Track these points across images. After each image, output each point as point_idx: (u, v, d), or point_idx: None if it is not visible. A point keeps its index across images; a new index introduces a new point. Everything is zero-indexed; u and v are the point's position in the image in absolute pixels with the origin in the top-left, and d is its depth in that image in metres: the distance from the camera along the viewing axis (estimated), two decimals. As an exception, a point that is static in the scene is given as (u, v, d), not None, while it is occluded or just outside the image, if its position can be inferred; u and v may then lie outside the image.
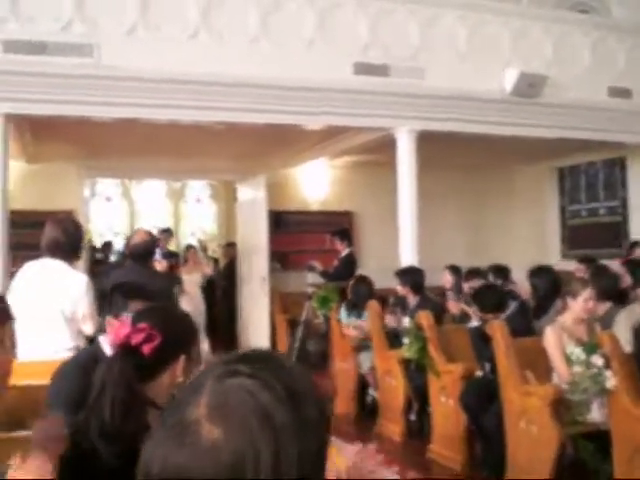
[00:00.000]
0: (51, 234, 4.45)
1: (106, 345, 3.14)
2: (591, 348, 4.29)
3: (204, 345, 10.30)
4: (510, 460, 5.15)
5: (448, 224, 12.83)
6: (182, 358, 2.37)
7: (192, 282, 10.56)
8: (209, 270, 11.61)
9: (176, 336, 2.38)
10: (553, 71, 8.74)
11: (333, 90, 8.00)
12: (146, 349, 2.26)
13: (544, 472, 4.75)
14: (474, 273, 7.44)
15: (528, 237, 13.05)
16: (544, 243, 12.93)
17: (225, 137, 9.28)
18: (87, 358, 3.12)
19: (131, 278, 4.81)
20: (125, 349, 2.27)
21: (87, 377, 2.66)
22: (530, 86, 8.59)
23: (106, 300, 3.41)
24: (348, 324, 7.88)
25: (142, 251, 5.34)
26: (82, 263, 10.50)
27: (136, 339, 2.26)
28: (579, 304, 5.15)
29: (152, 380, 2.33)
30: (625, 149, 10.65)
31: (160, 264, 5.76)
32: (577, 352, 4.34)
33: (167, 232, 11.82)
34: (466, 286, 7.28)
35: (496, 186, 13.22)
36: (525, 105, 8.77)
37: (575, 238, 12.42)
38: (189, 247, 11.92)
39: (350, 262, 10.30)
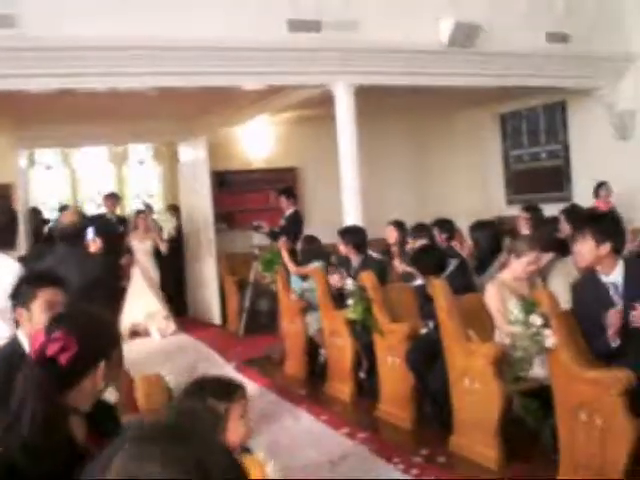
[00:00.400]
0: None
1: (24, 340, 3.05)
2: (529, 307, 4.29)
3: (165, 321, 10.40)
4: (456, 417, 5.19)
5: (392, 176, 12.80)
6: (102, 364, 2.29)
7: (144, 250, 10.41)
8: (161, 236, 10.98)
9: (94, 342, 2.29)
10: (490, 19, 8.67)
11: (268, 49, 7.88)
12: (62, 359, 2.18)
13: (490, 428, 4.80)
14: (419, 230, 7.39)
15: (472, 184, 13.09)
16: (488, 189, 12.99)
17: (163, 100, 9.11)
18: (5, 356, 3.04)
19: (63, 263, 4.69)
20: (41, 359, 2.19)
21: (7, 377, 2.59)
22: (466, 36, 8.52)
23: (15, 290, 3.30)
24: (299, 289, 7.83)
25: (71, 233, 5.18)
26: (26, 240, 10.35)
27: (51, 350, 2.18)
28: (521, 265, 5.17)
29: (73, 388, 2.25)
30: (565, 93, 10.69)
31: (94, 244, 5.56)
32: (515, 312, 4.35)
33: (113, 197, 11.47)
34: (408, 246, 7.27)
35: (438, 134, 13.20)
36: (462, 54, 8.71)
37: (519, 183, 12.49)
38: (139, 212, 11.16)
39: (296, 220, 10.24)
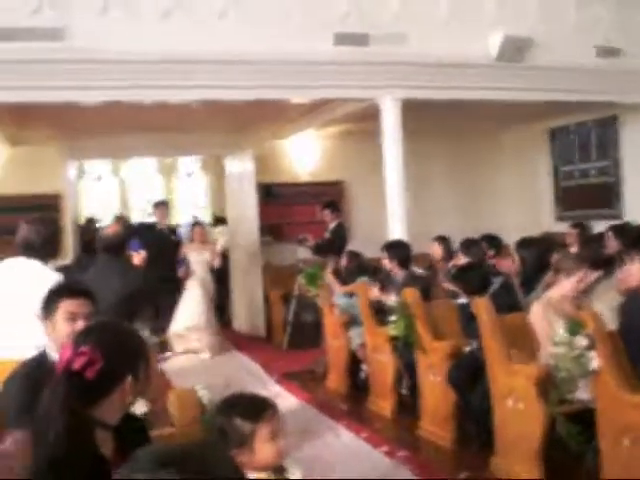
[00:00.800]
0: (23, 234, 4.39)
1: (51, 351, 3.06)
2: (574, 328, 4.19)
3: (216, 338, 10.08)
4: (498, 437, 5.10)
5: (438, 190, 12.72)
6: (129, 378, 2.28)
7: (201, 262, 10.11)
8: (218, 249, 10.51)
9: (120, 357, 2.29)
10: (539, 33, 8.54)
11: (315, 63, 7.86)
12: (89, 373, 2.18)
13: (531, 450, 4.70)
14: (469, 245, 7.28)
15: (520, 200, 12.95)
16: (537, 206, 12.82)
17: (210, 112, 9.16)
18: (34, 366, 3.04)
19: (104, 274, 4.72)
20: (68, 373, 2.19)
21: (34, 388, 2.59)
22: (516, 49, 8.41)
23: (43, 302, 3.31)
24: (344, 304, 7.78)
25: (114, 244, 5.22)
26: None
27: (78, 364, 2.18)
28: (571, 283, 5.08)
29: (100, 402, 2.25)
30: (617, 108, 10.50)
31: (139, 255, 5.58)
32: (560, 332, 4.25)
33: (163, 205, 11.31)
34: (452, 263, 7.20)
35: (486, 150, 13.08)
36: (511, 69, 8.60)
37: (568, 199, 12.30)
38: (195, 224, 11.02)
39: (341, 233, 10.24)
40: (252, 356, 9.58)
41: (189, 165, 15.41)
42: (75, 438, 2.12)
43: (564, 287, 5.13)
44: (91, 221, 13.18)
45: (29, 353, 3.68)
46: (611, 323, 4.56)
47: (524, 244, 6.50)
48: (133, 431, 2.42)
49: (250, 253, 11.22)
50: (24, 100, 7.24)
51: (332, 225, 10.14)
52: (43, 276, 4.29)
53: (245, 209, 11.33)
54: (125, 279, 4.90)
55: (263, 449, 2.51)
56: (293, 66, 7.80)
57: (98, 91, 7.31)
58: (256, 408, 2.56)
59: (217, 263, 10.30)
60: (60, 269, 4.76)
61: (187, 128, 10.73)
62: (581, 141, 12.00)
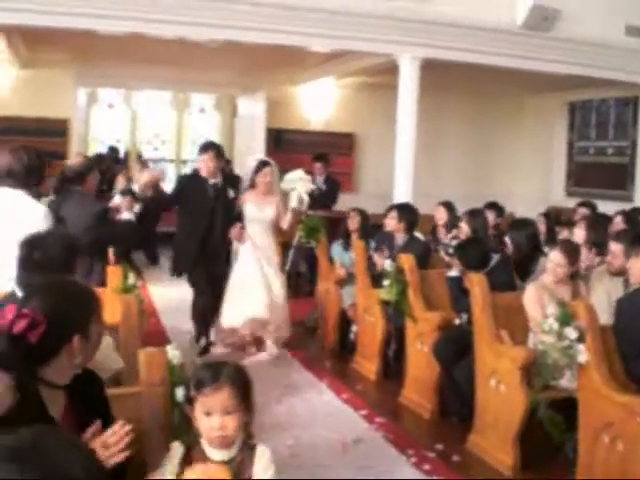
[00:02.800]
0: (6, 162, 4.33)
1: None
2: (565, 318, 4.10)
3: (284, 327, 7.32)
4: (478, 415, 5.05)
5: (449, 151, 12.59)
6: (76, 339, 2.20)
7: (263, 221, 7.14)
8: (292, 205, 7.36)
9: (65, 318, 2.21)
10: (569, 5, 8.33)
11: (337, 12, 7.71)
12: (31, 337, 2.11)
13: (509, 434, 4.65)
14: (475, 215, 7.11)
15: (533, 170, 12.80)
16: (549, 178, 12.67)
17: (228, 52, 9.01)
18: None
19: (64, 203, 5.00)
20: (10, 336, 2.11)
21: None
22: (543, 19, 8.22)
23: None
24: (342, 262, 7.67)
25: (76, 174, 5.36)
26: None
27: (18, 328, 2.11)
28: (548, 266, 5.03)
29: (47, 363, 2.19)
30: (639, 89, 10.28)
31: (125, 202, 5.50)
32: (550, 321, 4.16)
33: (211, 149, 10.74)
34: (451, 235, 7.09)
35: (504, 115, 12.90)
36: (537, 38, 8.42)
37: (581, 176, 12.14)
38: (264, 163, 7.15)
39: (333, 187, 10.21)
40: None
41: (202, 102, 15.22)
42: (23, 401, 2.07)
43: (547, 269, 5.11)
44: (112, 150, 13.12)
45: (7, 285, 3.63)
46: (608, 312, 4.50)
47: (515, 226, 6.37)
48: (89, 390, 2.36)
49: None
50: (41, 24, 7.11)
51: (321, 178, 10.05)
52: (25, 206, 4.24)
53: (253, 152, 11.18)
54: (82, 206, 5.06)
55: (200, 421, 2.45)
56: (315, 13, 7.65)
57: (118, 21, 7.23)
58: (202, 379, 2.47)
59: (285, 224, 7.27)
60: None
61: (202, 65, 10.55)
62: (600, 118, 11.80)
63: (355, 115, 12.41)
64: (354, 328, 7.27)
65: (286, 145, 12.26)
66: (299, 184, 7.24)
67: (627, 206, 9.83)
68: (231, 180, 7.22)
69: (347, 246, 7.74)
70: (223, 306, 6.95)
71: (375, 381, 6.55)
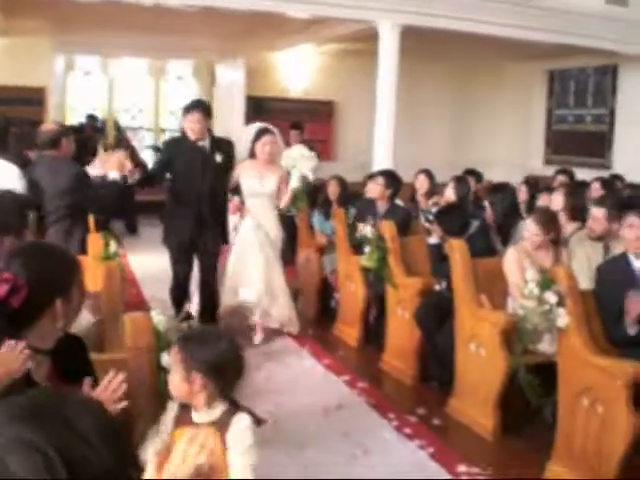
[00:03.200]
0: None
1: None
2: (546, 283, 4.14)
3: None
4: (458, 380, 5.11)
5: (429, 121, 12.57)
6: (58, 302, 2.20)
7: (260, 195, 6.44)
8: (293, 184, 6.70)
9: (47, 281, 2.21)
10: (551, -27, 8.32)
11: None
12: (14, 302, 2.10)
13: (489, 398, 4.71)
14: (461, 181, 7.12)
15: (512, 137, 12.83)
16: (528, 145, 12.71)
17: (206, 17, 8.90)
18: None
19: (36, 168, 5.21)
20: None
21: None
22: (525, -14, 8.20)
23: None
24: (322, 230, 7.69)
25: (46, 140, 5.42)
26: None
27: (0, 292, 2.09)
28: (525, 235, 5.09)
29: (30, 327, 2.19)
30: (618, 57, 10.31)
31: (114, 160, 5.47)
32: (531, 286, 4.20)
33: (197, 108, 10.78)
34: (433, 200, 7.12)
35: (483, 83, 12.89)
36: (518, 6, 8.40)
37: (559, 143, 12.19)
38: (263, 131, 6.46)
39: None
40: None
41: (180, 69, 15.07)
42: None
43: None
44: (91, 118, 13.01)
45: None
46: (589, 276, 4.55)
47: (494, 190, 6.41)
48: (73, 354, 2.36)
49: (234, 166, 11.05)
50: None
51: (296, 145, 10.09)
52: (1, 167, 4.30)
53: (233, 120, 11.14)
54: (55, 170, 5.17)
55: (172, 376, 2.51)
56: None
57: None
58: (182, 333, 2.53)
59: (283, 203, 6.58)
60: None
61: (180, 31, 10.44)
62: (579, 86, 11.83)
63: (334, 82, 12.35)
64: (335, 295, 7.30)
65: (266, 113, 12.16)
66: (301, 162, 6.65)
67: (605, 173, 9.92)
68: (219, 144, 6.29)
69: (327, 214, 7.74)
70: (223, 285, 6.45)
71: (356, 347, 6.59)
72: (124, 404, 2.23)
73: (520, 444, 4.59)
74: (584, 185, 7.59)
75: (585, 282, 4.59)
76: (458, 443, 4.71)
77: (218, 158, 6.17)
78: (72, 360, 2.33)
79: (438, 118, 12.73)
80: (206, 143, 6.18)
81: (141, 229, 11.77)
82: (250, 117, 11.29)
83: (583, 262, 5.05)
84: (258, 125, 6.49)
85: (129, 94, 14.94)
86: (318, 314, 7.52)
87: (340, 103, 12.60)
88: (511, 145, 12.74)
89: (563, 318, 4.03)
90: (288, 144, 10.09)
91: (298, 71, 12.36)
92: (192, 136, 6.09)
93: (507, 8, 8.35)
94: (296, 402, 5.20)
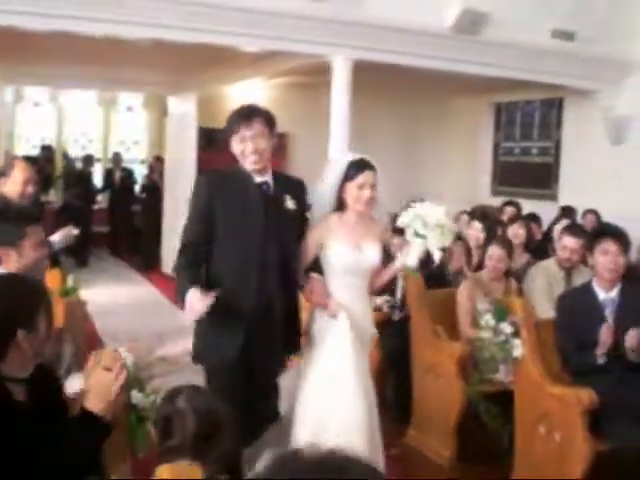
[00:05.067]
0: None
1: None
2: (500, 314, 4.24)
3: None
4: (415, 410, 5.17)
5: (381, 152, 12.50)
6: (20, 333, 2.21)
7: (357, 271, 3.97)
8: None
9: (3, 315, 2.22)
10: (497, 9, 8.49)
11: (269, 13, 7.69)
12: None
13: (447, 428, 4.77)
14: None
15: (461, 170, 13.02)
16: (475, 178, 12.92)
17: (157, 51, 8.90)
18: None
19: None
20: None
21: None
22: (472, 23, 8.37)
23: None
24: None
25: None
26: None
27: None
28: (488, 263, 5.19)
29: (1, 358, 2.21)
30: (564, 90, 10.57)
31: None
32: (487, 317, 4.30)
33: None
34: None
35: (431, 116, 13.09)
36: (466, 42, 8.55)
37: (506, 175, 12.42)
38: (362, 165, 4.04)
39: None
40: (178, 303, 9.49)
41: (130, 100, 15.06)
42: None
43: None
44: (47, 149, 13.01)
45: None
46: (549, 306, 4.66)
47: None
48: (45, 387, 2.38)
49: (185, 198, 11.00)
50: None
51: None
52: None
53: (184, 151, 11.14)
54: None
55: None
56: (247, 14, 7.61)
57: (47, 19, 7.04)
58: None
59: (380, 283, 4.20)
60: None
61: (130, 64, 10.43)
62: (525, 119, 12.10)
63: (287, 115, 12.37)
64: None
65: (218, 144, 12.22)
66: (435, 233, 3.81)
67: (552, 205, 10.16)
68: (286, 183, 3.92)
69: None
70: (295, 419, 3.78)
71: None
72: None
73: (478, 471, 4.65)
74: (535, 217, 7.80)
75: (547, 312, 4.70)
76: (416, 472, 4.77)
77: (290, 204, 3.81)
78: (44, 393, 2.34)
79: (389, 151, 12.85)
80: (269, 179, 3.79)
81: (92, 260, 11.70)
82: (203, 149, 11.31)
83: (544, 292, 5.16)
84: (348, 157, 4.06)
85: (79, 124, 14.87)
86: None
87: (293, 135, 12.70)
88: (459, 177, 12.93)
89: (519, 348, 4.13)
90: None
91: (249, 103, 12.43)
92: (250, 165, 3.68)
93: (454, 44, 8.50)
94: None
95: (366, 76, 8.51)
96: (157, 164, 12.48)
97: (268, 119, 3.76)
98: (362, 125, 10.47)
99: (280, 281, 3.69)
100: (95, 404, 2.29)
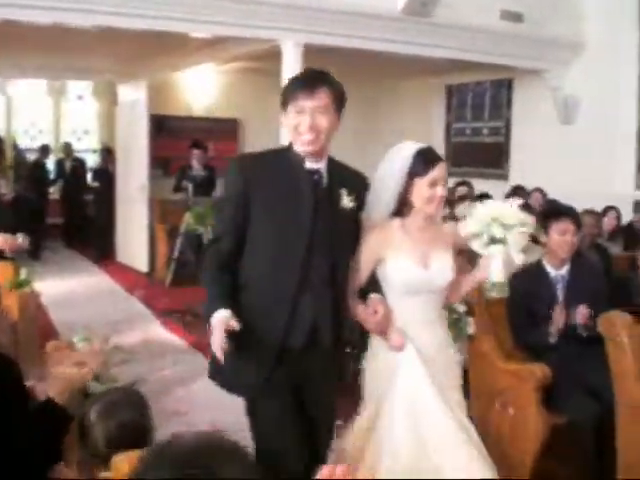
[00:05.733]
0: None
1: None
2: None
3: None
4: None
5: (336, 135, 12.61)
6: None
7: (428, 289, 3.38)
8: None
9: None
10: (446, -10, 8.56)
11: (218, -2, 7.66)
12: None
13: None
14: None
15: (415, 152, 13.10)
16: (429, 159, 13.00)
17: (106, 38, 8.80)
18: None
19: None
20: None
21: None
22: (421, 5, 8.41)
23: None
24: None
25: None
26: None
27: None
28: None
29: None
30: (513, 72, 10.68)
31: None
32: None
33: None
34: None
35: (384, 99, 13.15)
36: (417, 24, 8.60)
37: (458, 156, 12.51)
38: (432, 157, 3.41)
39: (212, 174, 10.23)
40: (133, 291, 9.47)
41: (80, 89, 14.86)
42: None
43: None
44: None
45: None
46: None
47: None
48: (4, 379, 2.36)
49: (137, 185, 10.94)
50: None
51: (199, 165, 10.08)
52: None
53: (135, 139, 11.03)
54: None
55: None
56: (195, 0, 7.58)
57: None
58: None
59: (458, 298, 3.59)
60: None
61: (79, 52, 10.30)
62: (476, 100, 12.19)
63: (238, 100, 12.41)
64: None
65: (169, 131, 12.17)
66: (515, 234, 3.07)
67: (503, 184, 10.28)
68: (343, 174, 3.13)
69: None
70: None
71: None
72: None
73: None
74: (486, 197, 7.88)
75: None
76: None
77: (347, 202, 3.01)
78: (3, 378, 2.32)
79: (342, 135, 12.69)
80: (323, 167, 3.01)
81: (45, 252, 11.56)
82: (154, 136, 11.20)
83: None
84: (414, 147, 3.20)
85: (28, 115, 14.65)
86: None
87: (245, 120, 12.67)
88: (413, 159, 13.03)
89: (472, 326, 4.19)
90: (189, 166, 10.13)
91: (201, 89, 12.37)
92: (303, 145, 2.92)
93: (405, 26, 8.53)
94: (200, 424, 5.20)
95: (317, 60, 8.48)
96: (109, 153, 12.34)
97: (337, 91, 3.02)
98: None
99: (330, 306, 2.87)
100: (60, 395, 2.29)
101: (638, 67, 9.56)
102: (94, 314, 7.78)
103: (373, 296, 3.00)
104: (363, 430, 3.06)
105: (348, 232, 2.98)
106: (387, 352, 3.03)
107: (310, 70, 3.07)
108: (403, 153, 3.17)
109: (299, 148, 2.89)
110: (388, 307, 2.98)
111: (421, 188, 3.05)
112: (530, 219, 3.13)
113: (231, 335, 2.57)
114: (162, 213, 10.90)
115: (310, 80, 2.94)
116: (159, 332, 7.51)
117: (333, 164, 3.05)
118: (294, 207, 2.83)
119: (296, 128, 2.87)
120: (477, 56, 9.33)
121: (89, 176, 13.38)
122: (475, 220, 3.07)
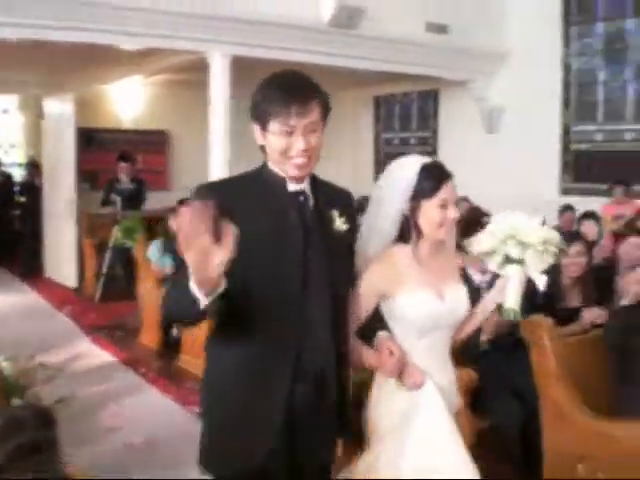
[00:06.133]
0: None
1: None
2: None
3: None
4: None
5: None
6: None
7: (440, 325, 3.02)
8: None
9: None
10: (372, 3, 8.65)
11: (145, 10, 7.60)
12: None
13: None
14: None
15: (345, 162, 13.20)
16: (359, 170, 13.13)
17: (30, 51, 8.65)
18: None
19: None
20: None
21: None
22: (348, 17, 8.49)
23: None
24: (159, 265, 7.60)
25: None
26: None
27: None
28: None
29: None
30: (439, 82, 10.86)
31: None
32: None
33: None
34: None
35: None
36: (343, 36, 8.68)
37: (387, 165, 12.65)
38: (440, 173, 2.69)
39: (142, 187, 10.18)
40: (62, 307, 9.32)
41: (5, 103, 14.60)
42: None
43: None
44: None
45: None
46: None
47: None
48: None
49: (65, 199, 10.77)
50: None
51: (127, 177, 10.00)
52: None
53: (62, 153, 10.87)
54: None
55: None
56: (122, 11, 7.51)
57: None
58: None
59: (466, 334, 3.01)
60: None
61: (3, 64, 10.10)
62: (403, 111, 12.39)
63: (167, 112, 12.35)
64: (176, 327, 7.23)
65: (98, 144, 12.04)
66: (537, 255, 2.70)
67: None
68: (330, 193, 2.67)
69: (167, 246, 7.61)
70: None
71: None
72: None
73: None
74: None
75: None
76: None
77: (339, 224, 2.58)
78: None
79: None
80: (306, 187, 2.55)
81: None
82: (82, 148, 11.05)
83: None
84: (417, 162, 2.73)
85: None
86: (161, 346, 7.46)
87: (174, 132, 12.61)
88: (345, 170, 13.09)
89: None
90: (117, 179, 10.01)
91: (129, 102, 12.28)
92: (294, 170, 2.46)
93: (332, 38, 8.60)
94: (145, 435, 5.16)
95: (246, 73, 8.53)
96: (35, 167, 12.14)
97: (326, 102, 2.51)
98: (245, 122, 10.49)
99: (334, 348, 2.44)
100: None
101: (562, 73, 9.83)
102: (21, 332, 7.62)
103: (382, 334, 2.62)
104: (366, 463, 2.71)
105: (345, 259, 2.55)
106: (401, 392, 2.64)
107: (297, 77, 2.52)
108: (406, 170, 2.70)
109: (290, 172, 2.43)
110: (399, 346, 2.59)
111: (430, 211, 2.63)
112: (556, 236, 2.71)
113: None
114: (90, 227, 10.73)
115: (302, 93, 2.40)
116: (89, 348, 7.41)
117: (316, 182, 2.58)
118: (283, 238, 2.36)
119: (285, 152, 2.39)
120: (403, 67, 9.47)
121: (16, 190, 13.13)
122: (489, 237, 2.73)
